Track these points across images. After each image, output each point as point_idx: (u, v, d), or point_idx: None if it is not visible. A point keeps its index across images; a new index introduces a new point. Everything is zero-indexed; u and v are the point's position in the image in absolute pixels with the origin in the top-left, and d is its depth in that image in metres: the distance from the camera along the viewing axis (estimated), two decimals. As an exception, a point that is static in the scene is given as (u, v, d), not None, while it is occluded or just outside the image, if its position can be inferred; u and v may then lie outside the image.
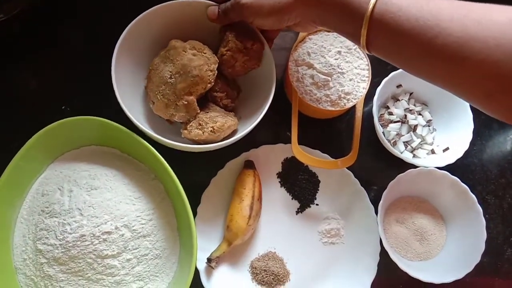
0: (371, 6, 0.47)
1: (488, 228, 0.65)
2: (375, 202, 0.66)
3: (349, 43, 0.68)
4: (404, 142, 0.71)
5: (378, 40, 0.49)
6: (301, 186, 0.69)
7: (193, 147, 0.59)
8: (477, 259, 0.64)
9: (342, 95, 0.66)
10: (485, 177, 0.76)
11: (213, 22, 0.62)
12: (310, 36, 0.68)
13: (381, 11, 0.47)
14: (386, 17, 0.47)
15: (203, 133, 0.59)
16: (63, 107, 0.69)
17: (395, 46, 0.48)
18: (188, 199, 0.58)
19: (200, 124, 0.60)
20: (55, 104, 0.69)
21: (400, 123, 0.71)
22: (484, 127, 0.77)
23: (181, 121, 0.62)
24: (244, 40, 0.61)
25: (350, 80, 0.66)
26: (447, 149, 0.70)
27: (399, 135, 0.71)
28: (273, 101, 0.70)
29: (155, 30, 0.64)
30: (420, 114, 0.73)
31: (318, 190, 0.70)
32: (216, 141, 0.60)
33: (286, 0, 0.53)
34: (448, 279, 0.63)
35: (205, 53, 0.61)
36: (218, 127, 0.59)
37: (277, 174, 0.70)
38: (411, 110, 0.72)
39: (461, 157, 0.68)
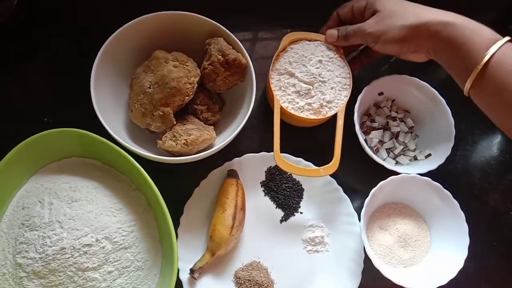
0: (488, 56, 0.52)
1: (472, 233, 0.65)
2: (359, 209, 0.66)
3: (330, 52, 0.68)
4: (386, 149, 0.71)
5: (481, 88, 0.54)
6: (285, 194, 0.70)
7: (165, 158, 0.59)
8: (460, 264, 0.64)
9: (324, 104, 0.66)
10: (469, 182, 0.76)
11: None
12: (291, 46, 0.68)
13: (496, 63, 0.52)
14: (499, 70, 0.51)
15: (176, 145, 0.59)
16: (45, 119, 0.69)
17: (498, 98, 0.53)
18: (171, 209, 0.58)
19: (174, 136, 0.60)
20: (38, 115, 0.68)
21: (382, 130, 0.72)
22: (467, 133, 0.78)
23: (157, 131, 0.62)
24: (227, 55, 0.61)
25: (332, 88, 0.67)
26: (429, 155, 0.71)
27: (381, 142, 0.71)
28: (257, 110, 0.71)
29: (142, 39, 0.65)
30: (402, 121, 0.73)
31: (302, 198, 0.70)
32: (190, 154, 0.60)
33: (409, 30, 0.58)
34: (432, 285, 0.63)
35: (187, 66, 0.62)
36: (191, 140, 0.59)
37: (260, 183, 0.70)
38: (393, 117, 0.73)
39: (445, 162, 0.69)
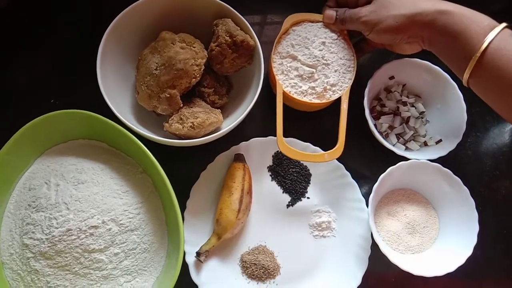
0: (486, 42, 0.51)
1: (481, 220, 0.65)
2: (367, 195, 0.66)
3: (333, 33, 0.66)
4: (396, 134, 0.70)
5: (480, 77, 0.54)
6: (292, 179, 0.69)
7: (172, 141, 0.58)
8: (469, 251, 0.63)
9: (328, 87, 0.65)
10: (479, 169, 0.75)
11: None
12: (293, 28, 0.67)
13: (495, 50, 0.51)
14: (498, 56, 0.51)
15: (183, 127, 0.58)
16: (52, 101, 0.68)
17: (497, 85, 0.53)
18: (178, 193, 0.57)
19: (181, 119, 0.59)
20: (44, 97, 0.68)
21: (392, 115, 0.70)
22: (478, 119, 0.76)
23: (164, 113, 0.61)
24: (234, 37, 0.60)
25: (335, 71, 0.65)
26: (440, 141, 0.69)
27: (391, 127, 0.70)
28: (264, 94, 0.70)
29: (149, 20, 0.64)
30: (413, 106, 0.72)
31: (310, 183, 0.70)
32: (197, 137, 0.59)
33: (404, 20, 0.57)
34: (440, 272, 0.62)
35: (194, 47, 0.61)
36: (198, 123, 0.58)
37: (268, 167, 0.70)
38: (404, 102, 0.71)
39: (455, 149, 0.68)
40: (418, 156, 0.67)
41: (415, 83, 0.72)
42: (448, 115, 0.70)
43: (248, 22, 0.63)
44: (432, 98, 0.72)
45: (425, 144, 0.70)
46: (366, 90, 0.67)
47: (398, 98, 0.71)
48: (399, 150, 0.67)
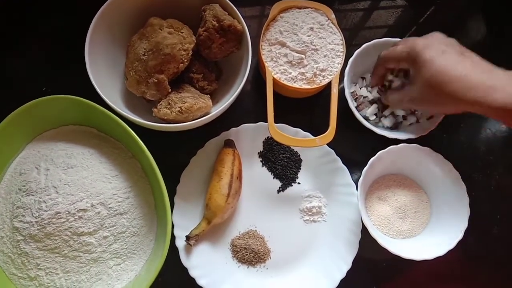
0: None
1: (474, 205, 0.64)
2: (358, 181, 0.65)
3: (321, 18, 0.67)
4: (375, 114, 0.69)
5: None
6: (282, 165, 0.69)
7: (160, 125, 0.58)
8: (460, 235, 0.63)
9: (318, 72, 0.65)
10: (473, 154, 0.74)
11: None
12: (281, 14, 0.67)
13: None
14: None
15: (171, 112, 0.59)
16: (44, 89, 0.69)
17: None
18: (168, 178, 0.58)
19: (169, 104, 0.59)
20: (36, 85, 0.69)
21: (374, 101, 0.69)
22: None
23: (153, 99, 0.62)
24: (222, 21, 0.60)
25: (325, 56, 0.65)
26: (430, 118, 0.69)
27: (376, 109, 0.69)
28: (254, 82, 0.69)
29: (137, 6, 0.64)
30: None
31: (300, 168, 0.70)
32: (185, 121, 0.60)
33: (447, 111, 0.61)
34: (430, 255, 0.62)
35: (182, 32, 0.61)
36: (186, 108, 0.59)
37: (258, 153, 0.70)
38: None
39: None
40: (399, 136, 0.66)
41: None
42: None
43: (247, 15, 0.63)
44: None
45: (404, 118, 0.69)
46: (346, 69, 0.66)
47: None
48: (380, 130, 0.66)
